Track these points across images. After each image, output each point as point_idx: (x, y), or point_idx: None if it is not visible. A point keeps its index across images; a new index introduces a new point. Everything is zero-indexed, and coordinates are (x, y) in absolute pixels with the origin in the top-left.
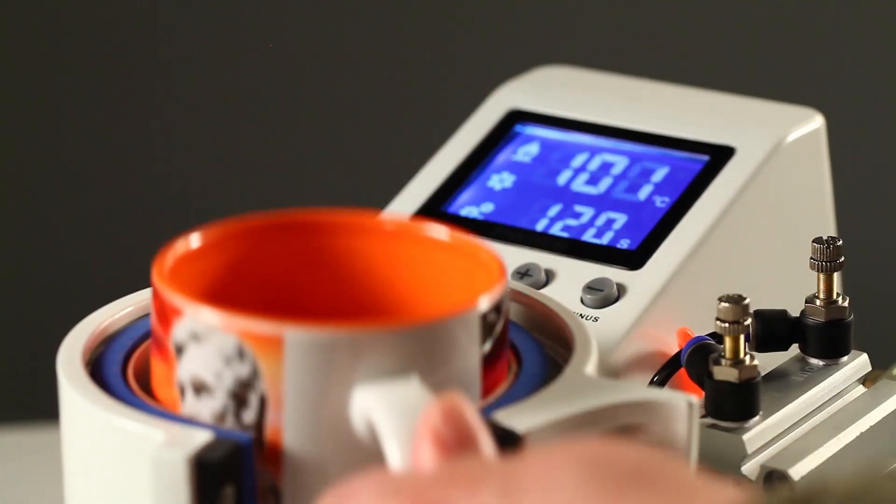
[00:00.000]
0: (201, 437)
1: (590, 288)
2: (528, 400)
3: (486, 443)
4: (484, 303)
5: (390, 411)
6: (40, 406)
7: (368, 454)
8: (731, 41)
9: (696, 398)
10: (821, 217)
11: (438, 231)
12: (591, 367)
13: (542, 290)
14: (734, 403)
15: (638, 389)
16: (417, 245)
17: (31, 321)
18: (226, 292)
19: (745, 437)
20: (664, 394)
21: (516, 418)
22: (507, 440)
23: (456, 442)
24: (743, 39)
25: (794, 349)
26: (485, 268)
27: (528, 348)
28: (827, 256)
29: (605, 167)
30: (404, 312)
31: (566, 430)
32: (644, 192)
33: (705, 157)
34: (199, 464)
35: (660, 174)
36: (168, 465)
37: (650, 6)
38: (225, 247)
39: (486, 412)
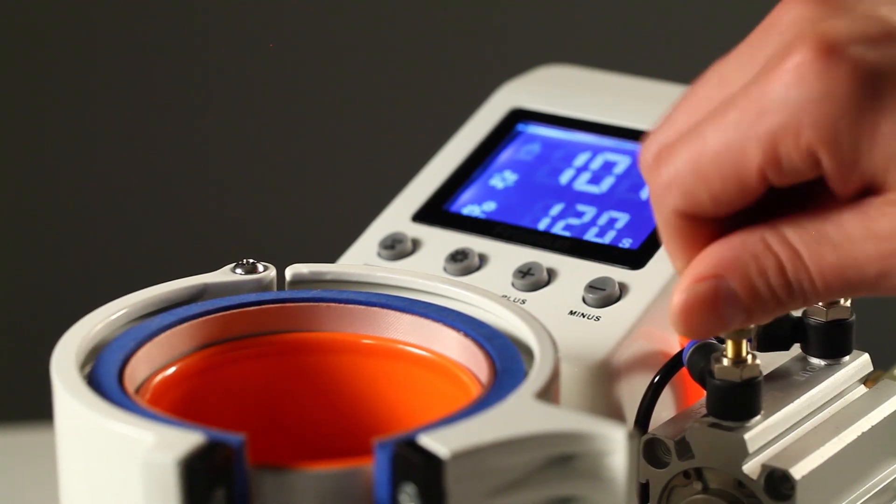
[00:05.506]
0: (192, 440)
1: (592, 287)
2: (463, 423)
3: None
4: None
5: None
6: (39, 406)
7: None
8: (730, 41)
9: (635, 430)
10: None
11: (419, 349)
12: (543, 392)
13: (544, 290)
14: (736, 403)
15: (575, 419)
16: (398, 362)
17: (30, 321)
18: (206, 408)
19: (747, 436)
20: (601, 425)
21: (442, 441)
22: (430, 463)
23: None
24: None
25: (796, 349)
26: (463, 388)
27: (507, 366)
28: None
29: (608, 166)
30: (384, 429)
31: (494, 456)
32: (646, 192)
33: None
34: (190, 467)
35: None
36: (158, 468)
37: (650, 6)
38: (206, 366)
39: (414, 434)
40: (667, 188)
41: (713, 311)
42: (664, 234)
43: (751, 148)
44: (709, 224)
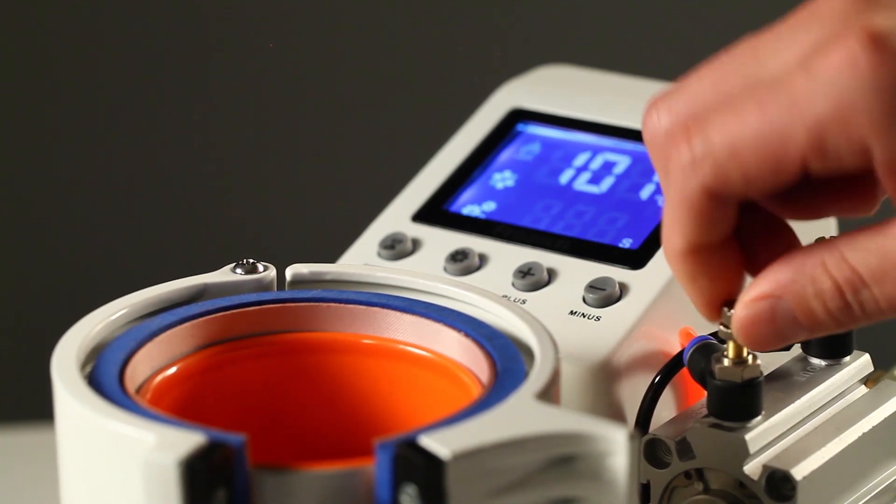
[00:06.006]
0: (193, 441)
1: (592, 287)
2: (463, 423)
3: None
4: None
5: None
6: (39, 406)
7: None
8: (730, 41)
9: (636, 431)
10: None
11: (419, 349)
12: (544, 392)
13: (544, 290)
14: (736, 403)
15: (576, 420)
16: (399, 362)
17: (30, 321)
18: (207, 408)
19: (748, 436)
20: (601, 426)
21: (443, 442)
22: (431, 464)
23: None
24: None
25: (797, 349)
26: (464, 388)
27: (508, 367)
28: None
29: (607, 166)
30: (385, 429)
31: (494, 456)
32: (646, 192)
33: None
34: (190, 467)
35: None
36: (159, 469)
37: (650, 6)
38: (206, 366)
39: (415, 435)
40: (699, 163)
41: (772, 328)
42: (679, 210)
43: (796, 134)
44: (729, 208)
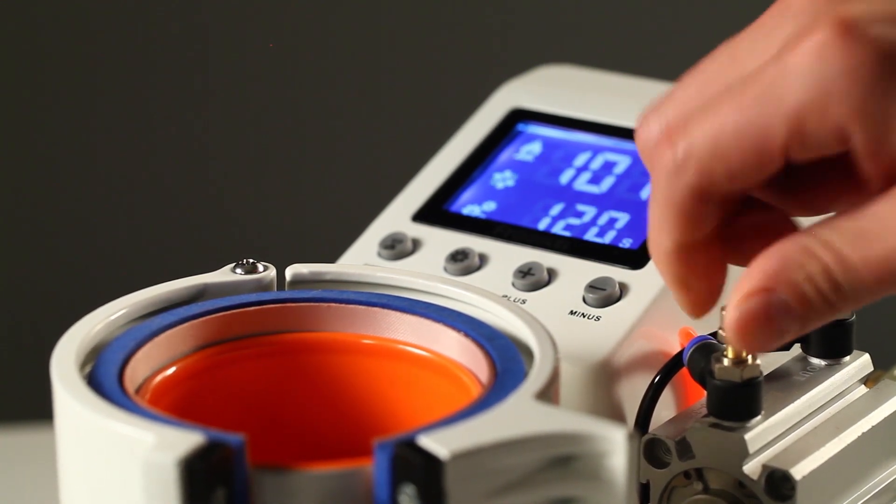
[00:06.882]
0: (192, 440)
1: (592, 287)
2: (463, 423)
3: None
4: None
5: None
6: (39, 406)
7: None
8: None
9: (635, 431)
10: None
11: (419, 349)
12: (543, 392)
13: (544, 290)
14: (736, 403)
15: (575, 420)
16: (398, 362)
17: (30, 321)
18: (206, 408)
19: (747, 436)
20: (601, 426)
21: (442, 442)
22: (430, 464)
23: None
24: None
25: (796, 349)
26: (463, 388)
27: (508, 367)
28: None
29: (608, 166)
30: (384, 429)
31: (493, 456)
32: (646, 192)
33: None
34: (190, 467)
35: None
36: (158, 469)
37: (650, 6)
38: (206, 366)
39: (414, 435)
40: (682, 165)
41: (767, 324)
42: (666, 210)
43: (776, 124)
44: (715, 207)
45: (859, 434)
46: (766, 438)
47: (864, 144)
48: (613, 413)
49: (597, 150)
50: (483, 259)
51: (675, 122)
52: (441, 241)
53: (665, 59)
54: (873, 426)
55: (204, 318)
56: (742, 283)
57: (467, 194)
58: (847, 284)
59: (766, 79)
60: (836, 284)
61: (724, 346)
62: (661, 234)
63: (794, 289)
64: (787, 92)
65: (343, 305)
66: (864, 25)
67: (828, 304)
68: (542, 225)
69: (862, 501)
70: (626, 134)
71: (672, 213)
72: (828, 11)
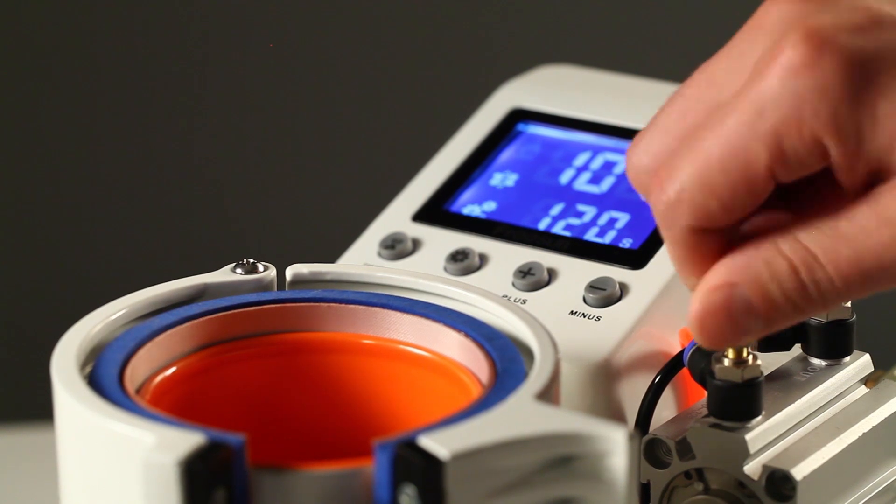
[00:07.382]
0: (192, 441)
1: (592, 287)
2: (463, 423)
3: None
4: None
5: None
6: (39, 406)
7: None
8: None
9: (636, 431)
10: None
11: (420, 349)
12: (544, 393)
13: (544, 290)
14: (737, 403)
15: (575, 420)
16: (399, 362)
17: (30, 321)
18: (206, 408)
19: (748, 436)
20: (601, 426)
21: (442, 442)
22: (430, 464)
23: None
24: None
25: (797, 349)
26: (463, 388)
27: (508, 367)
28: None
29: (608, 166)
30: (384, 430)
31: (494, 457)
32: None
33: None
34: (190, 467)
35: None
36: (158, 469)
37: (650, 6)
38: (206, 366)
39: (414, 435)
40: (675, 206)
41: (728, 319)
42: (676, 252)
43: (756, 149)
44: (719, 235)
45: (860, 434)
46: (766, 439)
47: (840, 157)
48: (614, 413)
49: (597, 150)
50: (483, 259)
51: (661, 155)
52: (441, 241)
53: (665, 60)
54: (874, 426)
55: (204, 318)
56: (708, 276)
57: (467, 194)
58: (813, 286)
59: (740, 105)
60: (802, 285)
61: None
62: (682, 273)
63: (757, 286)
64: (763, 115)
65: (343, 305)
66: (832, 36)
67: (792, 304)
68: (542, 225)
69: (862, 502)
70: (627, 134)
71: (679, 251)
72: (798, 26)
